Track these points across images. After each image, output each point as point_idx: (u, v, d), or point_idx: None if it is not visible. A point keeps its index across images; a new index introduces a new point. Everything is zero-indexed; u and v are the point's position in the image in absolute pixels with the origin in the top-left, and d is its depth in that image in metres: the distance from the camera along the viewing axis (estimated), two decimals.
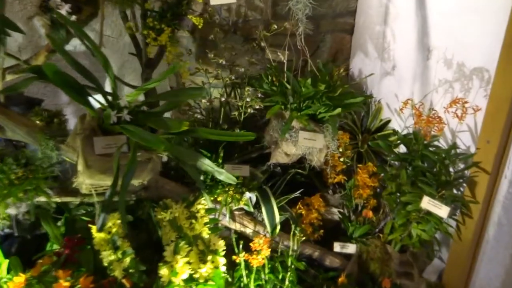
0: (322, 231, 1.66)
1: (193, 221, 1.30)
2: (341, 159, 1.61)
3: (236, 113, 1.56)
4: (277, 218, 1.48)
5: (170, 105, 1.17)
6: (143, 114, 1.21)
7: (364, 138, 1.86)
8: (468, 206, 1.36)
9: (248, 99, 1.47)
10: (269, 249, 1.31)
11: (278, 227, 1.49)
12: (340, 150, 1.58)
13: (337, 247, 1.64)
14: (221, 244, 1.18)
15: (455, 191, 1.45)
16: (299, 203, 1.63)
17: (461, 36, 1.38)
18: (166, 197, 1.42)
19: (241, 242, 1.35)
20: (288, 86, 1.47)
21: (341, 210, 1.76)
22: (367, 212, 1.61)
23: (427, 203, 1.34)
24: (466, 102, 1.29)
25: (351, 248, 1.64)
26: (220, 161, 1.44)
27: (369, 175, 1.68)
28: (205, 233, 1.35)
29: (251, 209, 1.52)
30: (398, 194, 1.53)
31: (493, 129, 1.24)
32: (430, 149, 1.50)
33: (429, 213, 1.38)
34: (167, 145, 1.03)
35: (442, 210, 1.30)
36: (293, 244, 1.45)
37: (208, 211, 1.36)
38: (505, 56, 1.18)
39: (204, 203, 1.35)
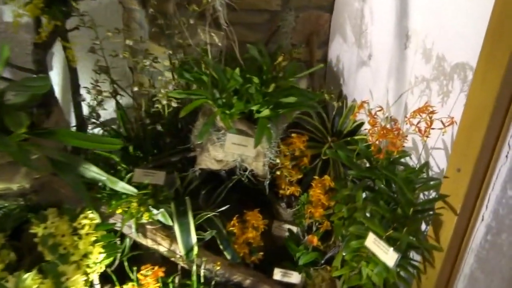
0: (261, 253, 1.37)
1: (76, 238, 1.06)
2: (277, 171, 1.30)
3: (159, 106, 1.28)
4: (194, 237, 1.21)
5: (21, 98, 0.92)
6: (5, 107, 0.97)
7: (333, 143, 1.52)
8: (430, 252, 1.01)
9: (163, 90, 1.19)
10: (159, 284, 1.05)
11: (196, 249, 1.22)
12: (278, 160, 1.26)
13: (277, 274, 1.35)
14: (78, 280, 0.94)
15: (424, 224, 1.11)
16: (234, 219, 1.34)
17: (444, 19, 1.00)
18: (62, 202, 1.20)
19: (135, 268, 1.10)
20: (217, 77, 1.17)
21: (292, 228, 1.46)
22: (312, 238, 1.30)
23: (372, 243, 1.01)
24: (433, 113, 0.92)
25: (294, 277, 1.34)
26: (123, 165, 1.18)
27: (324, 191, 1.35)
28: (96, 253, 1.12)
29: (169, 222, 1.26)
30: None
31: (466, 153, 0.88)
32: (400, 167, 1.16)
33: None
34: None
35: (388, 256, 0.96)
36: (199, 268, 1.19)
37: (100, 226, 1.12)
38: (488, 49, 0.80)
39: (93, 216, 1.10)
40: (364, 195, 1.24)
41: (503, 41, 0.76)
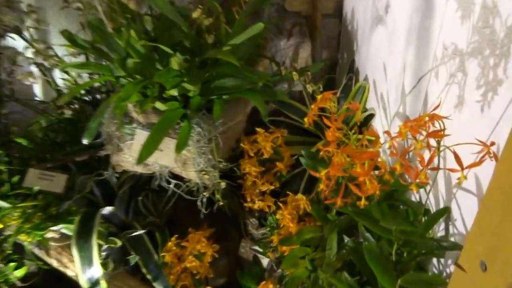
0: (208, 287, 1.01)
1: None
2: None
3: (68, 82, 0.93)
4: (97, 268, 0.88)
5: None
6: None
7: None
8: None
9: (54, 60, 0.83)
10: None
11: (104, 283, 0.89)
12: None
13: None
14: None
15: None
16: (172, 239, 0.97)
17: None
18: None
19: None
20: (122, 44, 0.76)
21: (258, 255, 1.06)
22: (267, 286, 0.88)
23: None
24: (440, 136, 0.42)
25: None
26: (3, 165, 0.87)
27: (298, 216, 0.91)
28: None
29: None
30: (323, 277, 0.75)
31: (501, 233, 0.38)
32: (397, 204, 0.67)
33: None
34: None
35: None
36: None
37: None
38: None
39: None
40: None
41: None
